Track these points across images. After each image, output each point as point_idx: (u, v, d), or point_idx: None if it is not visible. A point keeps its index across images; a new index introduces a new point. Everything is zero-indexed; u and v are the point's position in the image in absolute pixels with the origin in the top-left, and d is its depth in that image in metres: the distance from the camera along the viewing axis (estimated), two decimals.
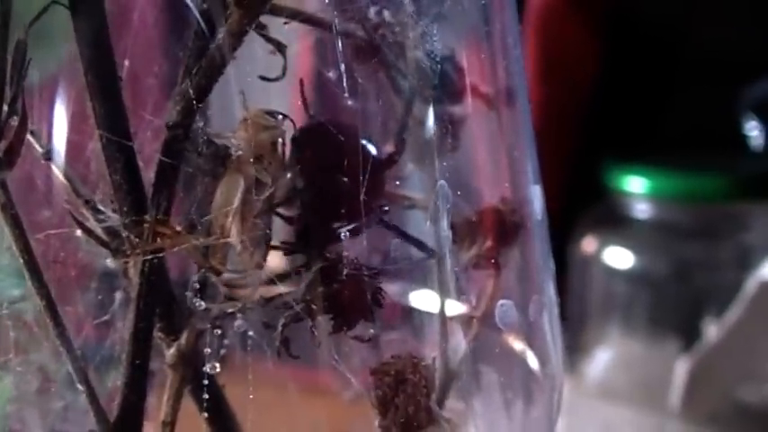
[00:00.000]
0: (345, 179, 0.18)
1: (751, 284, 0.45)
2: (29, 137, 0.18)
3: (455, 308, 0.20)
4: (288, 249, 0.19)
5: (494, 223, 0.20)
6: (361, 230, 0.18)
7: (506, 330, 0.20)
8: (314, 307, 0.17)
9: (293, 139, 0.18)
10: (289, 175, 0.17)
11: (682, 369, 0.45)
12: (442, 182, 0.18)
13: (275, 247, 0.18)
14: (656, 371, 0.47)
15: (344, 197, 0.18)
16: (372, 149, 0.18)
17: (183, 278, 0.19)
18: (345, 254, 0.17)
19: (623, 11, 0.55)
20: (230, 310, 0.18)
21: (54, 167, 0.19)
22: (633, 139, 0.55)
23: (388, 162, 0.18)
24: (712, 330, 0.46)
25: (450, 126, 0.19)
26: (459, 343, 0.20)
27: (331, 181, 0.18)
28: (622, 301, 0.51)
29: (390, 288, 0.19)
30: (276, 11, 0.17)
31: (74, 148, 0.20)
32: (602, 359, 0.50)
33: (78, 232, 0.19)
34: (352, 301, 0.17)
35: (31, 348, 0.21)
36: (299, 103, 0.21)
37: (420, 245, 0.19)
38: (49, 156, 0.19)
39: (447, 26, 0.19)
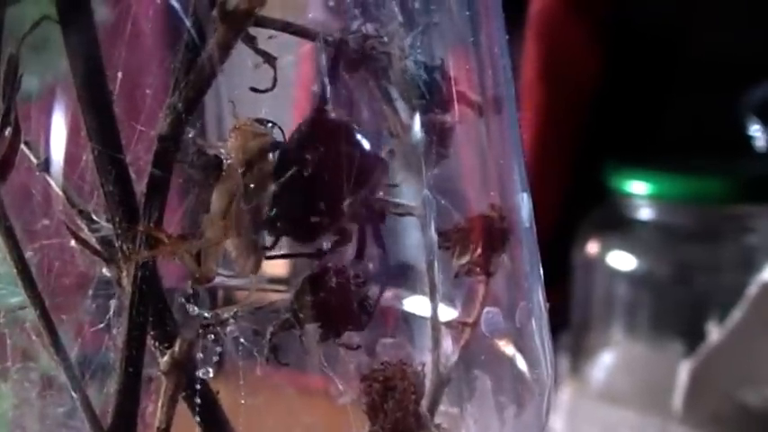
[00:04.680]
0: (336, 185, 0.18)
1: (753, 287, 0.45)
2: (23, 148, 0.19)
3: (446, 314, 0.20)
4: (281, 255, 0.19)
5: (483, 230, 0.20)
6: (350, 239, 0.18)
7: (493, 337, 0.20)
8: (302, 315, 0.18)
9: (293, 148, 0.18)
10: (274, 186, 0.18)
11: (684, 372, 0.45)
12: (425, 191, 0.19)
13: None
14: (658, 373, 0.47)
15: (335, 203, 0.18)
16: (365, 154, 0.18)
17: (177, 286, 0.20)
18: (330, 264, 0.18)
19: (624, 14, 0.55)
20: (222, 317, 0.19)
21: (49, 178, 0.20)
22: (635, 142, 0.55)
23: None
24: (715, 333, 0.46)
25: (438, 135, 0.19)
26: (450, 349, 0.20)
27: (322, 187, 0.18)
28: (625, 303, 0.51)
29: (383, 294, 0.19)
30: (264, 23, 0.18)
31: (68, 158, 0.20)
32: (605, 362, 0.50)
33: (73, 242, 0.19)
34: (339, 309, 0.17)
35: (30, 355, 0.21)
36: (302, 109, 0.22)
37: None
38: (44, 167, 0.20)
39: (435, 36, 0.19)
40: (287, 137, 0.18)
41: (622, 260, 0.51)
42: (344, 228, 0.18)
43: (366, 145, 0.18)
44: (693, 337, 0.48)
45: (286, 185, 0.17)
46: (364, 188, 0.18)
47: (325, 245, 0.18)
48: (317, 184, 0.17)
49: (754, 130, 0.53)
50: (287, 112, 0.20)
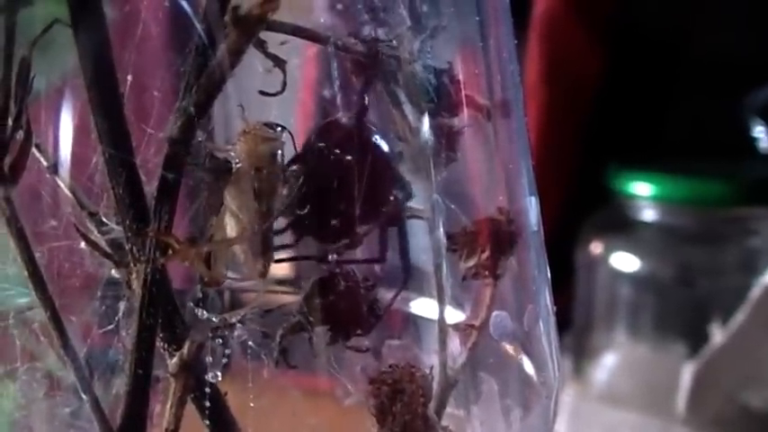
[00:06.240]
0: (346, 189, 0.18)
1: (756, 289, 0.45)
2: (34, 150, 0.19)
3: (453, 317, 0.21)
4: (290, 258, 0.19)
5: (491, 234, 0.20)
6: (360, 241, 0.18)
7: (501, 340, 0.20)
8: (311, 318, 0.18)
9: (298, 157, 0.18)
10: (286, 188, 0.18)
11: (687, 373, 0.45)
12: (434, 195, 0.19)
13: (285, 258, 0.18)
14: (661, 375, 0.47)
15: (345, 207, 0.18)
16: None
17: (187, 288, 0.20)
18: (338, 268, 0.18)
19: (627, 16, 0.55)
20: (231, 321, 0.19)
21: (59, 180, 0.20)
22: (638, 144, 0.56)
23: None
24: (718, 335, 0.47)
25: (446, 138, 0.20)
26: (458, 352, 0.20)
27: (332, 192, 0.18)
28: (628, 305, 0.51)
29: (390, 296, 0.19)
30: (275, 27, 0.18)
31: (79, 160, 0.20)
32: (607, 363, 0.50)
33: (83, 244, 0.19)
34: (348, 312, 0.18)
35: (39, 356, 0.21)
36: (306, 111, 0.22)
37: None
38: (55, 169, 0.20)
39: (444, 40, 0.20)
40: (306, 137, 0.18)
41: (625, 262, 0.51)
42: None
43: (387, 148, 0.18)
44: (696, 339, 0.48)
45: (315, 188, 0.17)
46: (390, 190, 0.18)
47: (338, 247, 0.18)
48: (347, 188, 0.18)
49: (758, 132, 0.53)
50: (291, 114, 0.20)
